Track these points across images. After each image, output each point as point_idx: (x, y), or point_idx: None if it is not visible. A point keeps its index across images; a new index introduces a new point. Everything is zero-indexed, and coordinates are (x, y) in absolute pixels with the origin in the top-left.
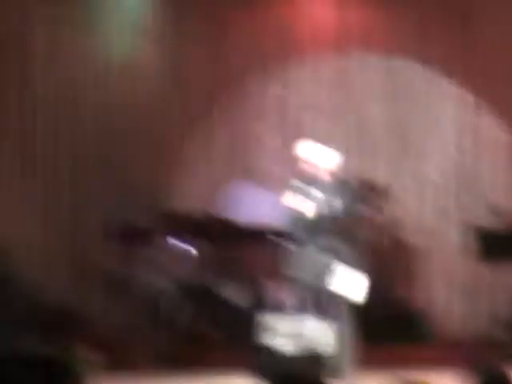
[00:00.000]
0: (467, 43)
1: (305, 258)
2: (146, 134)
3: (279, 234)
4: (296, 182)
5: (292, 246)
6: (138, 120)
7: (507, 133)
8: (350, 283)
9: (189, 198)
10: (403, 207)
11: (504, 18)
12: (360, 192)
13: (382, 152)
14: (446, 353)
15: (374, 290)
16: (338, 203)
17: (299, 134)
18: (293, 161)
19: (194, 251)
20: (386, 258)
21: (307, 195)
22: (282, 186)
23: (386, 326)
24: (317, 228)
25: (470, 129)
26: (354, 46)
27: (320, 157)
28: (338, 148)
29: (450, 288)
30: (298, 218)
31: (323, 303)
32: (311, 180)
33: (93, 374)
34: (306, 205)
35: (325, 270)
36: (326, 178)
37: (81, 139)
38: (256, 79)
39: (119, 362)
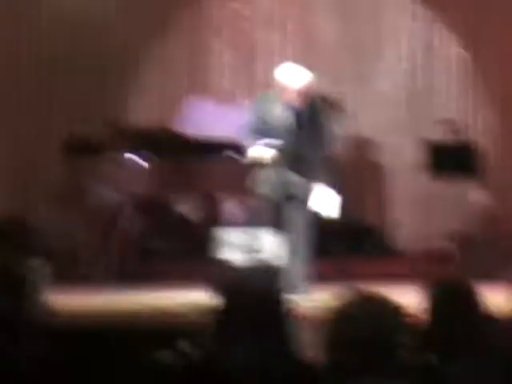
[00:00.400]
0: None
1: (268, 174)
2: (101, 47)
3: (237, 148)
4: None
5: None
6: (92, 34)
7: (458, 47)
8: (323, 199)
9: (144, 113)
10: (356, 122)
11: None
12: (326, 109)
13: (336, 67)
14: (400, 267)
15: None
16: (307, 123)
17: (254, 48)
18: (250, 76)
19: (147, 165)
20: (341, 174)
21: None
22: (239, 101)
23: (339, 240)
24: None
25: (423, 42)
26: None
27: (294, 77)
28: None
29: (403, 202)
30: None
31: (281, 217)
32: (280, 101)
33: (44, 285)
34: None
35: (291, 187)
36: (299, 98)
37: (28, 45)
38: None
39: (70, 274)
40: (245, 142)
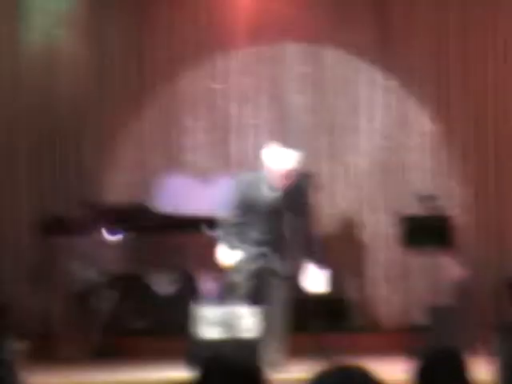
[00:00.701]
0: (380, 29)
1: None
2: (76, 122)
3: (213, 224)
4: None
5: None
6: (69, 109)
7: (432, 121)
8: (312, 276)
9: (120, 189)
10: (332, 198)
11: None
12: (308, 187)
13: (308, 141)
14: (381, 341)
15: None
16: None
17: (229, 125)
18: (224, 153)
19: (123, 241)
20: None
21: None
22: (215, 176)
23: (318, 315)
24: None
25: (396, 117)
26: (276, 35)
27: (281, 161)
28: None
29: (381, 276)
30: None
31: (258, 292)
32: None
33: (21, 364)
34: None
35: (271, 264)
36: (285, 179)
37: (8, 126)
38: (185, 71)
39: (45, 352)
40: (222, 219)
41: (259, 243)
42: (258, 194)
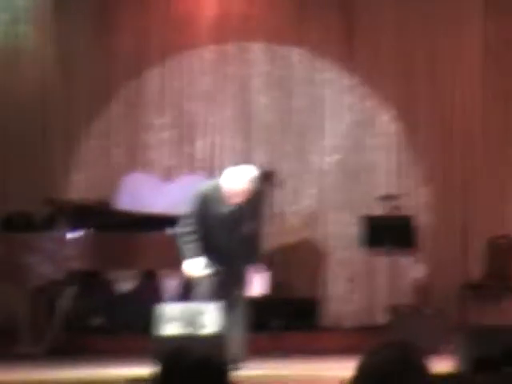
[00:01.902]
0: (345, 28)
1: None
2: (41, 123)
3: (175, 223)
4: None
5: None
6: (33, 110)
7: (395, 121)
8: (255, 281)
9: (83, 187)
10: (295, 197)
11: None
12: (264, 193)
13: (272, 140)
14: (342, 340)
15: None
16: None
17: (194, 124)
18: (188, 154)
19: (84, 238)
20: (283, 249)
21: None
22: (178, 176)
23: (277, 315)
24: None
25: (359, 116)
26: (241, 35)
27: (237, 182)
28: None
29: (341, 277)
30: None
31: (218, 291)
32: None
33: None
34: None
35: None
36: (241, 197)
37: None
38: (150, 70)
39: (2, 348)
40: (182, 225)
41: (218, 250)
42: (215, 206)
